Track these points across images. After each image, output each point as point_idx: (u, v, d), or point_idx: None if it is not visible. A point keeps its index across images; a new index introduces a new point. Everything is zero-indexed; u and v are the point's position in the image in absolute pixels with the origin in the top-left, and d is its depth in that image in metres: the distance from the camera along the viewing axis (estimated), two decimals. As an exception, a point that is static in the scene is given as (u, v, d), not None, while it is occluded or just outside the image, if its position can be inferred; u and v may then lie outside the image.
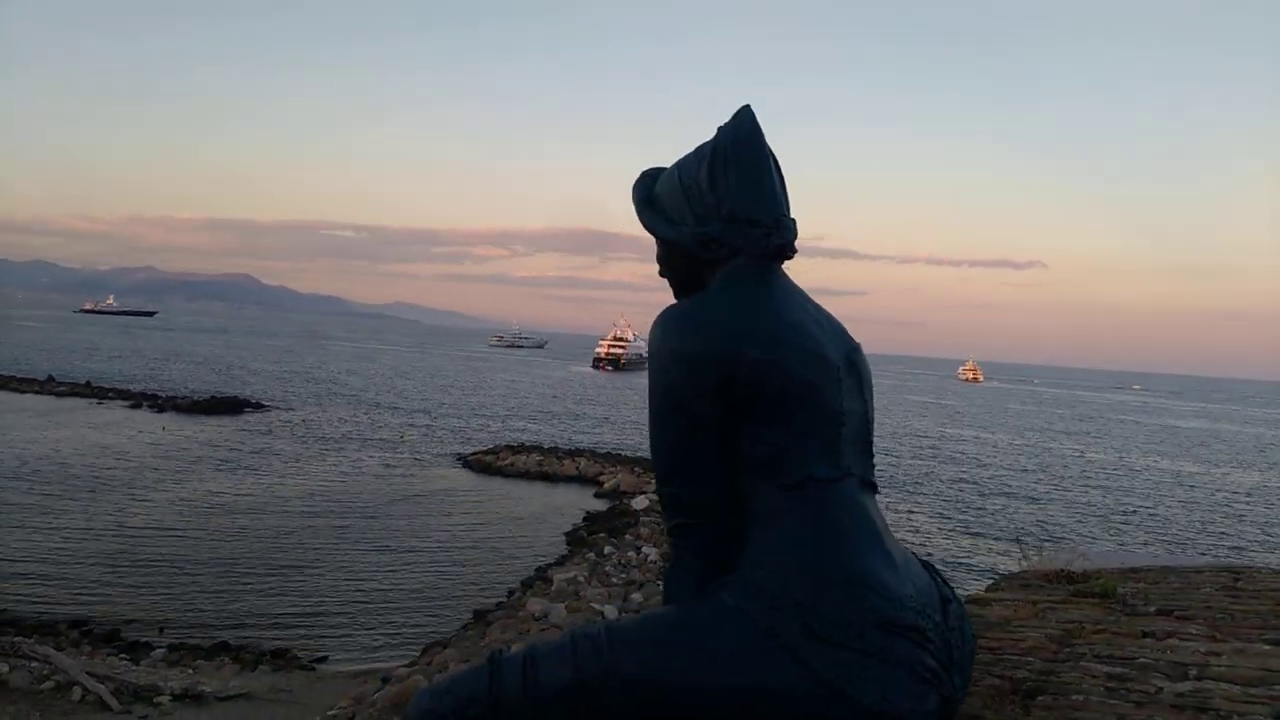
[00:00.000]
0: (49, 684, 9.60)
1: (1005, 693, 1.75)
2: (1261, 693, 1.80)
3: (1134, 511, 28.01)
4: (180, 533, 17.80)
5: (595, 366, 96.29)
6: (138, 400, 38.47)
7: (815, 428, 1.28)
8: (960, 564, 18.74)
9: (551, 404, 52.97)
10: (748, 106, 1.43)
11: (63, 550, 16.02)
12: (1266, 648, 2.14)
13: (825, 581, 1.20)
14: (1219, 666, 2.00)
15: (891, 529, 1.37)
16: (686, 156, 1.44)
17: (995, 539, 22.12)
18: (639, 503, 22.13)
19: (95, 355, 64.47)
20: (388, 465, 27.62)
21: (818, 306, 1.43)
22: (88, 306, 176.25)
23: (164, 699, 9.70)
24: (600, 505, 23.42)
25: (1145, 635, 2.27)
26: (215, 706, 9.81)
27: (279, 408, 40.47)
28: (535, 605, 13.26)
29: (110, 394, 40.27)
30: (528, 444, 32.41)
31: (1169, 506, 29.65)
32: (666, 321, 1.31)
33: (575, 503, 23.85)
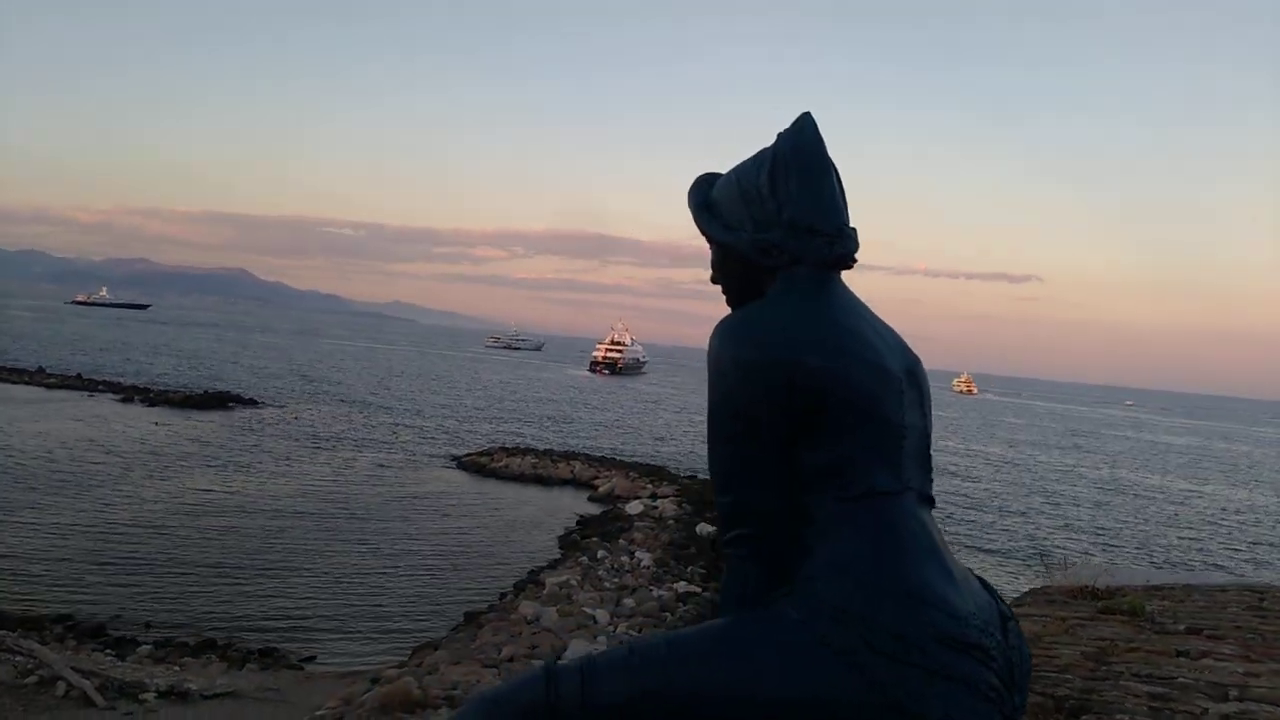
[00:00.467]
0: (33, 679, 9.43)
1: (1049, 711, 1.70)
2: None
3: (1142, 528, 28.13)
4: (169, 530, 17.62)
5: (592, 370, 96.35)
6: (129, 394, 38.22)
7: (877, 440, 1.26)
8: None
9: (547, 407, 52.90)
10: (808, 114, 1.40)
11: (49, 545, 15.83)
12: (1305, 669, 2.09)
13: (887, 595, 1.18)
14: (1259, 688, 1.95)
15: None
16: (744, 162, 1.42)
17: (1007, 555, 22.12)
18: (633, 507, 22.06)
19: (87, 347, 64.12)
20: (380, 465, 27.48)
21: (877, 318, 1.41)
22: (80, 298, 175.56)
23: (149, 696, 9.55)
24: (594, 509, 23.33)
25: (1179, 654, 2.23)
26: (201, 705, 9.67)
27: (271, 404, 40.27)
28: (527, 608, 13.16)
29: (101, 386, 40.02)
30: (522, 446, 32.33)
31: (1177, 524, 29.80)
32: (726, 328, 1.30)
33: (569, 506, 23.76)
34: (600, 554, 17.33)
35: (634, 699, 1.18)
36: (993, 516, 27.89)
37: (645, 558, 17.11)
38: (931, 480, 1.37)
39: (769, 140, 1.39)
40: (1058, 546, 22.84)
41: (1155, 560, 22.70)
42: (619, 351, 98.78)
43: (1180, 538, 27.20)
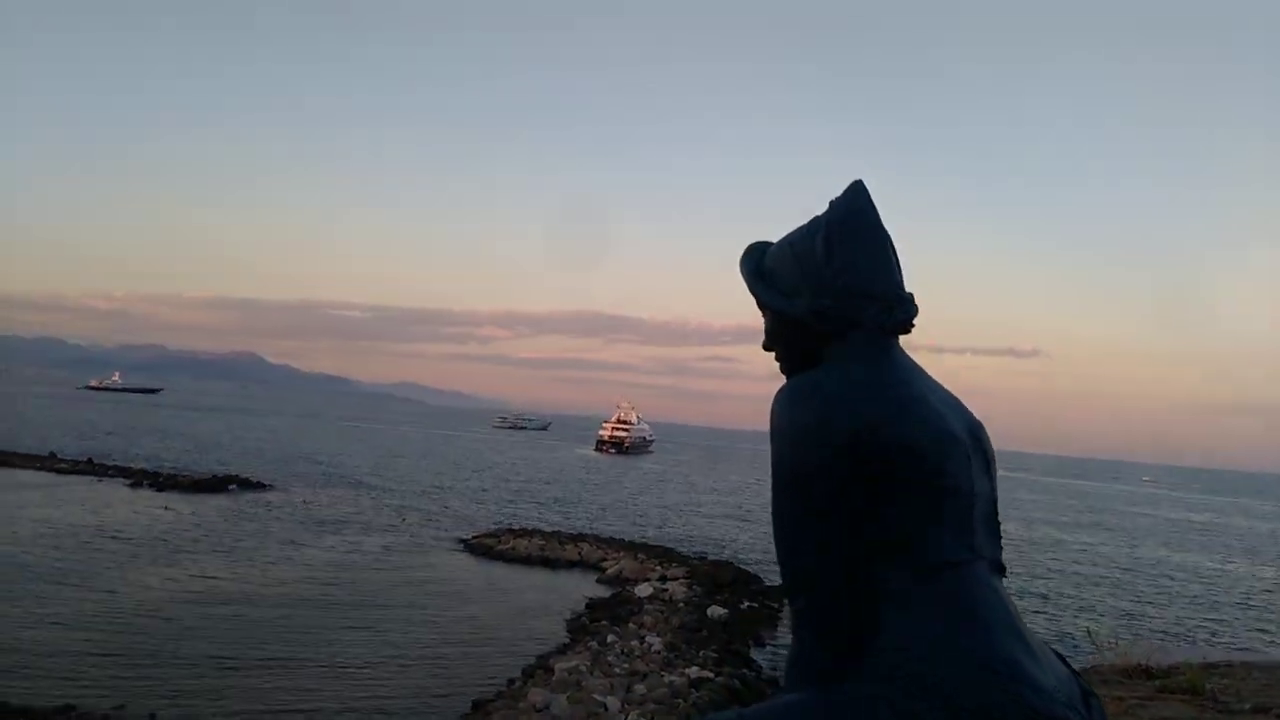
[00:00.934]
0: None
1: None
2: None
3: (1181, 609, 27.33)
4: (174, 619, 17.38)
5: (599, 449, 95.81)
6: (138, 478, 38.21)
7: (947, 508, 1.23)
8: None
9: (554, 487, 52.47)
10: (860, 182, 1.39)
11: (52, 636, 15.63)
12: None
13: (967, 668, 1.13)
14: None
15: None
16: (798, 230, 1.40)
17: (1048, 636, 21.47)
18: (642, 590, 21.68)
19: (98, 431, 64.37)
20: (386, 548, 27.19)
21: (938, 383, 1.38)
22: (93, 383, 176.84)
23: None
24: (603, 592, 22.95)
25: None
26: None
27: (279, 488, 40.13)
28: (536, 695, 12.86)
29: (111, 471, 40.05)
30: (529, 528, 31.98)
31: (1215, 604, 28.95)
32: (788, 393, 1.27)
33: (577, 589, 23.36)
34: (610, 638, 16.98)
35: None
36: (1021, 601, 27.17)
37: (656, 642, 16.75)
38: (1001, 547, 1.33)
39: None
40: (1112, 627, 22.21)
41: (1204, 639, 21.98)
42: (625, 430, 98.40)
43: (1221, 617, 26.40)
